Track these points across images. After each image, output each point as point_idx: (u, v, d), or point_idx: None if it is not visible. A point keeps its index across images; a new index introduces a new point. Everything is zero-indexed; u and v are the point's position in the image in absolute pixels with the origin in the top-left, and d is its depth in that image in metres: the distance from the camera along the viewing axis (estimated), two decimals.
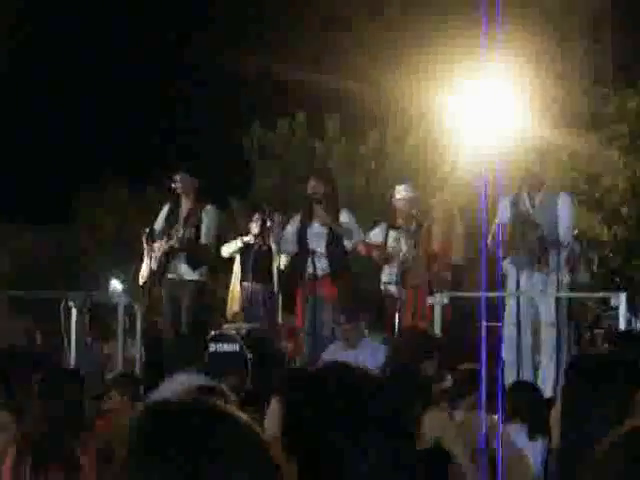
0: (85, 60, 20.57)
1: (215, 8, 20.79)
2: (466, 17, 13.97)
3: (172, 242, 9.40)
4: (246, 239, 10.56)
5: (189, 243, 9.38)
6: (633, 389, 2.75)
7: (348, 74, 16.42)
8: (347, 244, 9.34)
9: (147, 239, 9.56)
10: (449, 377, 6.66)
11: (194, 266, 9.49)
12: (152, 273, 9.51)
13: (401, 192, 9.59)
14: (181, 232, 9.38)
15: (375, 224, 9.98)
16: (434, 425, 4.42)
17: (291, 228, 9.52)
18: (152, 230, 9.70)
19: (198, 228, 9.53)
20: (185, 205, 9.66)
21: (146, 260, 9.62)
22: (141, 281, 9.73)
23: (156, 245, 9.55)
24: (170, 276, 9.54)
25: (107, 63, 20.56)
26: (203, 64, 19.99)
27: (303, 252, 9.29)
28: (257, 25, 20.09)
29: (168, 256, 9.49)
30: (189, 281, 9.51)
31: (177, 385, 6.33)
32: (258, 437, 1.71)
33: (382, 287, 9.60)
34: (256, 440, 1.70)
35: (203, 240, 9.51)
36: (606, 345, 9.58)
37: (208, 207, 9.67)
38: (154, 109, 20.49)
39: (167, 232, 9.54)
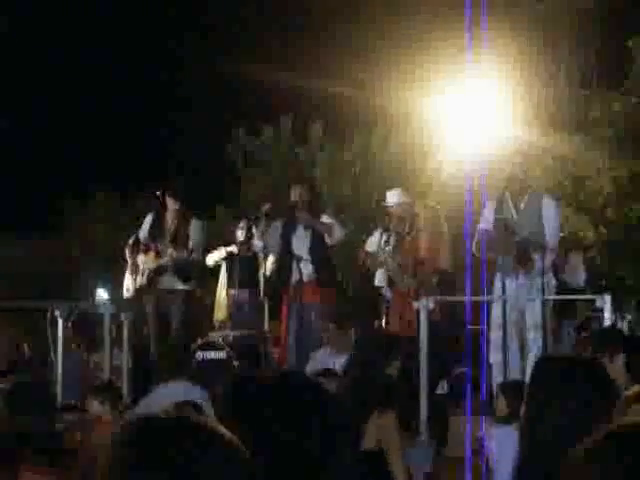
0: (72, 71, 20.55)
1: (197, 15, 20.80)
2: (452, 20, 13.97)
3: (163, 262, 9.42)
4: (229, 249, 10.55)
5: (179, 262, 9.39)
6: (592, 388, 2.81)
7: (332, 79, 16.41)
8: (328, 240, 9.39)
9: (132, 251, 9.56)
10: (444, 384, 6.68)
11: (184, 280, 9.53)
12: (140, 288, 9.52)
13: (392, 198, 9.63)
14: (170, 251, 9.37)
15: (373, 231, 10.00)
16: (379, 428, 4.67)
17: (274, 232, 9.54)
18: (136, 241, 9.69)
19: (186, 242, 9.54)
20: (170, 215, 9.64)
21: (129, 272, 9.62)
22: (126, 294, 9.73)
23: (140, 258, 9.54)
24: (159, 287, 9.56)
25: (95, 74, 20.55)
26: (187, 73, 20.02)
27: (286, 257, 9.31)
28: (241, 32, 20.10)
29: (157, 272, 9.50)
30: (178, 290, 9.52)
31: (165, 395, 6.34)
32: (240, 453, 1.71)
33: (375, 291, 9.64)
34: (238, 457, 1.70)
35: (193, 255, 9.52)
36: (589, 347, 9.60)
37: (194, 221, 9.67)
38: (142, 119, 20.48)
39: (153, 245, 9.54)
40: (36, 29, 20.18)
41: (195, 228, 9.62)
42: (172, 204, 9.60)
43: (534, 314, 8.26)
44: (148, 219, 9.83)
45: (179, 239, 9.51)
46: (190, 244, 9.51)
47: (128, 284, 9.69)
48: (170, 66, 20.41)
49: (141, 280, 9.52)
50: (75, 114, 20.32)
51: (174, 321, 9.48)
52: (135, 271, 9.57)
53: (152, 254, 9.51)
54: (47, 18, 20.31)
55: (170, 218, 9.64)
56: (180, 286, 9.53)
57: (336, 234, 9.42)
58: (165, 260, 9.42)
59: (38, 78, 20.30)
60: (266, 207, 9.85)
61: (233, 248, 10.49)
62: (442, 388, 6.48)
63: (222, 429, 1.72)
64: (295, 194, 9.43)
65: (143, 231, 9.76)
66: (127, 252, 9.70)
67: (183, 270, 9.48)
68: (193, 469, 1.63)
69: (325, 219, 9.51)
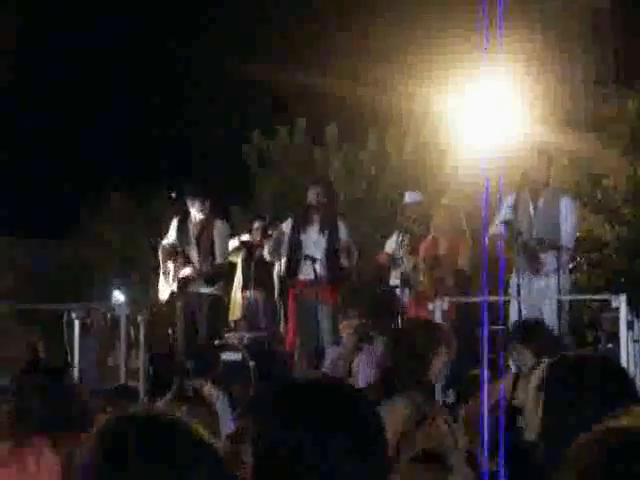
0: (86, 73, 20.62)
1: (212, 17, 20.82)
2: (466, 20, 13.95)
3: (189, 273, 9.43)
4: (243, 238, 10.54)
5: (206, 273, 9.42)
6: (608, 384, 2.77)
7: (347, 78, 16.41)
8: (345, 262, 9.23)
9: (164, 256, 9.59)
10: (451, 392, 6.59)
11: (211, 284, 9.56)
12: (172, 293, 9.57)
13: (410, 197, 9.65)
14: (196, 267, 9.41)
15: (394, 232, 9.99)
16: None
17: (282, 234, 9.44)
18: (164, 245, 9.71)
19: (211, 245, 9.54)
20: (194, 218, 9.62)
21: (162, 277, 9.65)
22: (161, 297, 9.77)
23: (170, 264, 9.56)
24: (188, 289, 9.59)
25: (108, 76, 20.61)
26: (203, 73, 20.04)
27: (296, 257, 9.21)
28: (255, 34, 20.12)
29: (186, 280, 9.55)
30: (206, 294, 9.53)
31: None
32: (212, 449, 1.78)
33: (391, 290, 9.63)
34: (211, 453, 1.77)
35: (218, 260, 9.52)
36: (610, 345, 9.55)
37: (218, 223, 9.64)
38: (157, 120, 20.53)
39: (181, 251, 9.56)
40: (50, 29, 20.25)
41: (219, 231, 9.60)
42: (197, 216, 9.57)
43: (550, 315, 8.22)
44: (174, 224, 9.80)
45: (204, 242, 9.51)
46: (216, 248, 9.52)
47: (162, 287, 9.72)
48: (186, 67, 20.44)
49: (174, 286, 9.56)
50: (90, 116, 20.38)
51: (201, 324, 9.51)
52: (167, 275, 9.61)
53: (181, 260, 9.54)
54: (61, 20, 20.38)
55: (194, 221, 9.62)
56: (208, 290, 9.55)
57: (354, 256, 9.28)
58: (192, 272, 9.44)
59: (52, 82, 20.37)
60: (264, 222, 9.87)
61: (247, 237, 10.47)
62: (449, 396, 6.41)
63: (197, 426, 1.79)
64: (312, 195, 9.30)
65: (170, 235, 9.76)
66: (160, 256, 9.72)
67: (209, 277, 9.51)
68: (168, 464, 1.70)
69: (342, 228, 9.34)
